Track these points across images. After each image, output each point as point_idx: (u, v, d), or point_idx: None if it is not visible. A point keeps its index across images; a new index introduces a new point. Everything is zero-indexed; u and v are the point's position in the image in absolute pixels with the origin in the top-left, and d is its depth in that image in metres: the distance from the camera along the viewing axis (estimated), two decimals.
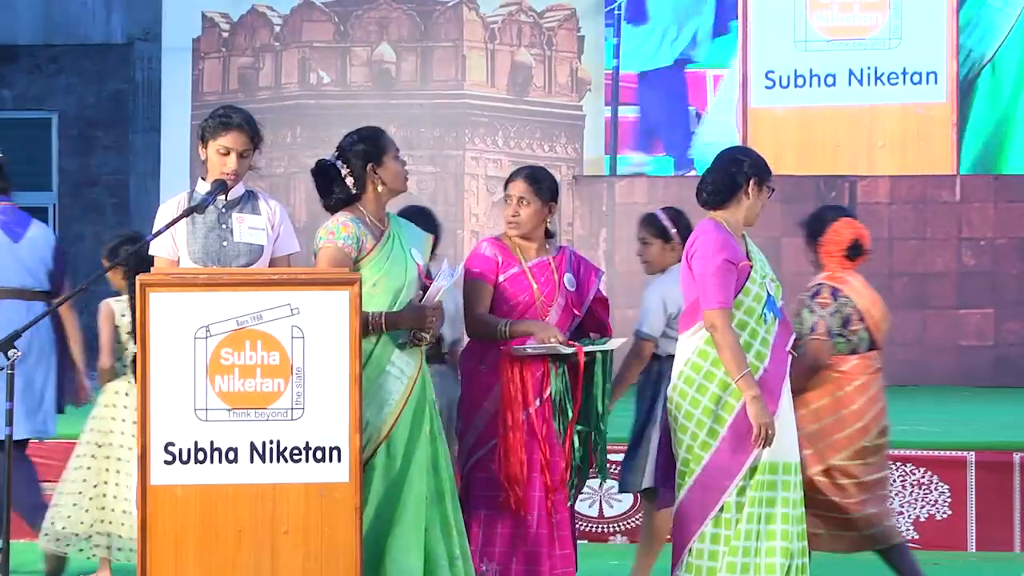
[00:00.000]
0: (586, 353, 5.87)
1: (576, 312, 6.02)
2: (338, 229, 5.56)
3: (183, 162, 14.01)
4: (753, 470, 5.64)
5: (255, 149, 5.52)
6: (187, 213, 5.39)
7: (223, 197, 5.48)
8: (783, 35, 13.98)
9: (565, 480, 5.90)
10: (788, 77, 13.98)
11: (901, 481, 8.23)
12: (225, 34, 14.59)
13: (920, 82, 13.78)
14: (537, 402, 5.86)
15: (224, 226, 5.48)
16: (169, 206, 5.51)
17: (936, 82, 13.75)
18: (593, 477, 6.11)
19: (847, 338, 6.55)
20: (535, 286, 5.96)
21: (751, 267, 5.72)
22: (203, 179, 5.53)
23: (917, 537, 8.19)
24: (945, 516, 8.19)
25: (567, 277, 6.02)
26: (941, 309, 13.49)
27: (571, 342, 5.88)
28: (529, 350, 5.83)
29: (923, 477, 8.22)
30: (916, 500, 8.23)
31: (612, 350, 5.96)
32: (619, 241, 13.63)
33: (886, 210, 13.61)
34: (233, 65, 14.61)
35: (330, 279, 5.03)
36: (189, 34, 14.58)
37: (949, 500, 8.18)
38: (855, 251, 6.65)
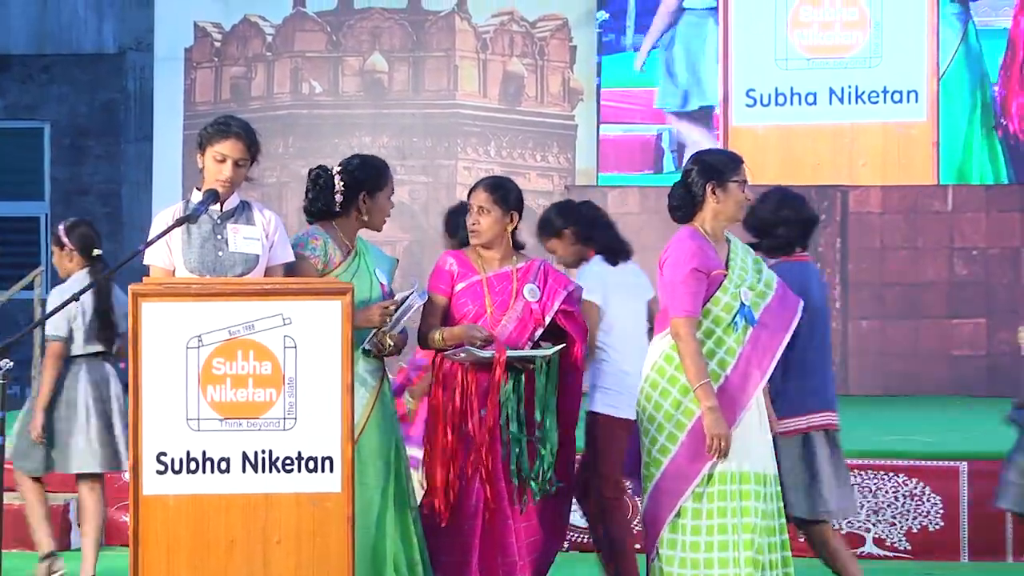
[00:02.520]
0: (520, 360, 5.88)
1: (537, 323, 6.02)
2: (307, 240, 5.77)
3: (175, 172, 14.00)
4: (713, 478, 5.64)
5: (252, 159, 5.55)
6: (179, 223, 5.40)
7: (217, 207, 5.50)
8: (764, 54, 13.96)
9: (511, 491, 5.88)
10: (769, 95, 13.95)
11: (893, 492, 8.23)
12: (217, 44, 14.59)
13: (900, 100, 13.78)
14: (483, 411, 5.88)
15: (219, 236, 5.50)
16: (165, 215, 5.54)
17: (916, 100, 13.76)
18: (547, 489, 6.01)
19: None
20: (487, 296, 5.99)
21: (724, 276, 5.74)
22: (198, 189, 5.55)
23: (909, 548, 8.18)
24: (938, 527, 8.19)
25: (528, 287, 6.03)
26: (933, 319, 13.50)
27: (497, 347, 5.87)
28: (448, 355, 5.89)
29: (915, 488, 8.22)
30: (908, 511, 8.23)
31: (549, 356, 5.93)
32: None
33: (878, 220, 13.63)
34: (225, 75, 14.61)
35: (322, 289, 5.03)
36: (181, 44, 14.57)
37: (942, 511, 8.18)
38: None
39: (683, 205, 5.83)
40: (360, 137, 14.17)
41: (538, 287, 6.04)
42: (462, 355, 5.86)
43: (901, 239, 13.61)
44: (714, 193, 5.78)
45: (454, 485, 5.84)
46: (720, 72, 14.02)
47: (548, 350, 5.95)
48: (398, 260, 6.20)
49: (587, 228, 6.96)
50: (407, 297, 5.72)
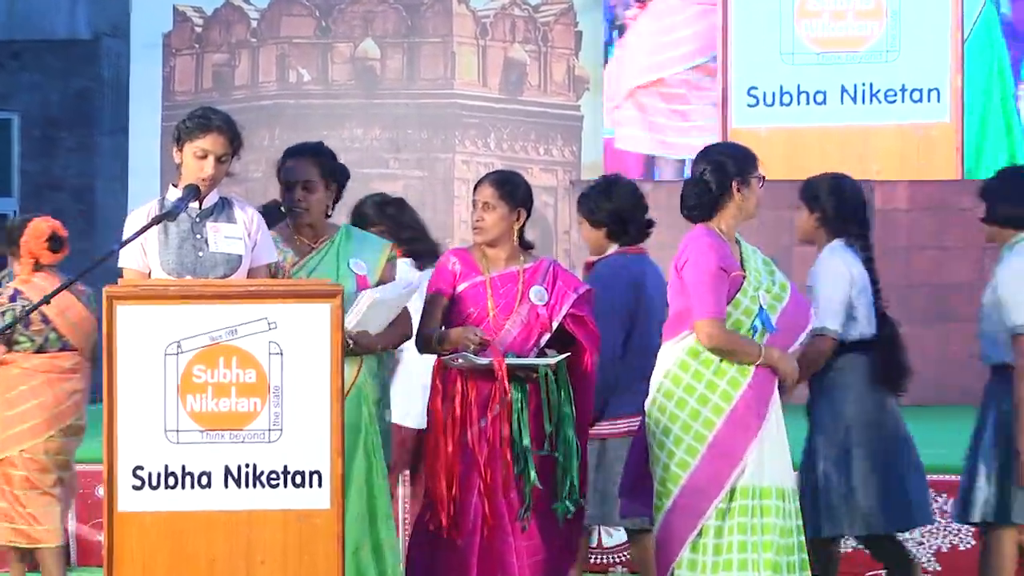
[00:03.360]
0: (523, 368, 5.88)
1: (543, 328, 6.02)
2: None
3: (152, 166, 14.01)
4: (735, 493, 5.64)
5: (234, 154, 5.54)
6: (157, 221, 5.39)
7: (196, 204, 5.49)
8: (768, 47, 13.59)
9: (512, 507, 5.88)
10: (773, 94, 13.62)
11: None
12: (198, 29, 14.59)
13: (920, 99, 13.43)
14: (483, 421, 5.87)
15: (199, 236, 5.49)
16: (139, 214, 5.52)
17: (938, 99, 13.41)
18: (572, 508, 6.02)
19: (31, 338, 7.19)
20: (490, 298, 5.98)
21: (743, 277, 5.74)
22: (175, 185, 5.54)
23: (939, 569, 8.16)
24: (968, 546, 8.18)
25: (535, 290, 6.02)
26: (963, 322, 13.49)
27: (494, 353, 5.87)
28: (446, 360, 5.90)
29: (945, 505, 8.20)
30: (938, 529, 8.21)
31: (553, 365, 5.93)
32: None
33: (904, 217, 13.62)
34: (207, 62, 14.61)
35: (310, 291, 5.02)
36: (159, 29, 14.58)
37: (973, 529, 8.17)
38: (55, 245, 7.26)
39: (701, 204, 5.82)
40: (351, 129, 14.18)
41: (546, 289, 6.03)
42: (459, 361, 5.86)
43: (928, 237, 13.61)
44: (739, 190, 5.78)
45: (455, 499, 5.84)
46: (719, 68, 13.69)
47: (552, 358, 5.94)
48: (392, 244, 6.16)
49: (396, 229, 7.06)
50: (376, 297, 5.69)
